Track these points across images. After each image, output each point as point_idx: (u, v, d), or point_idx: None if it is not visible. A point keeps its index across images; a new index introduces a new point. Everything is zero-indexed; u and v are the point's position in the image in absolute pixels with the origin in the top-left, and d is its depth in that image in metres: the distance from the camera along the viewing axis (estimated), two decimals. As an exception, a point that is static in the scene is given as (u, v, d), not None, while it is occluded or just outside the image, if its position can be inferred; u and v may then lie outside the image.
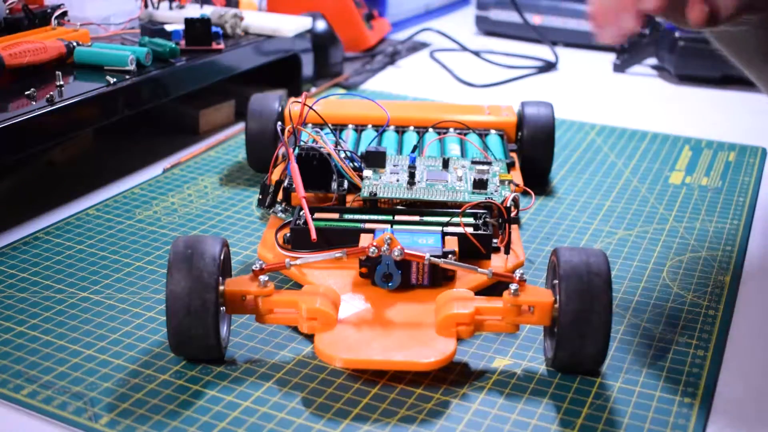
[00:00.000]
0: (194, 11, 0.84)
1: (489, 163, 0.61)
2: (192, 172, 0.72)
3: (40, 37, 0.72)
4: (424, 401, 0.45)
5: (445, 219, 0.54)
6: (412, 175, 0.58)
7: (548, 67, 1.06)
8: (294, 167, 0.55)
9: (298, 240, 0.52)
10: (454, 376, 0.47)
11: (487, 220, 0.54)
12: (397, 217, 0.55)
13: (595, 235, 0.63)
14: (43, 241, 0.60)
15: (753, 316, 0.54)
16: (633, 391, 0.46)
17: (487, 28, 1.21)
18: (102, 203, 0.66)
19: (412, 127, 0.71)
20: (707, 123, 0.82)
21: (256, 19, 0.86)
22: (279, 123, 0.68)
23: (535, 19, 1.15)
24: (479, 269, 0.48)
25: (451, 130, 0.70)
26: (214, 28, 0.78)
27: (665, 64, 1.02)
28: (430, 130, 0.70)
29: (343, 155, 0.58)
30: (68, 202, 0.66)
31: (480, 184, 0.58)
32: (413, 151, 0.65)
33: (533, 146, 0.69)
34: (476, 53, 1.10)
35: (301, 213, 0.53)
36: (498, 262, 0.54)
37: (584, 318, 0.44)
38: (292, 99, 0.69)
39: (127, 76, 0.70)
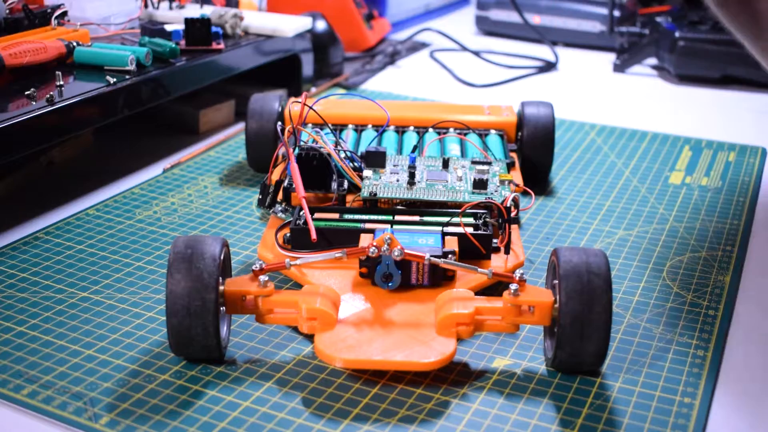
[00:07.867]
0: (194, 11, 0.84)
1: (489, 163, 0.61)
2: (192, 172, 0.72)
3: (40, 37, 0.72)
4: (424, 401, 0.45)
5: (445, 219, 0.54)
6: (412, 175, 0.58)
7: (548, 67, 1.06)
8: (294, 167, 0.55)
9: (298, 240, 0.52)
10: (454, 376, 0.47)
11: (487, 220, 0.54)
12: (397, 217, 0.55)
13: (595, 235, 0.63)
14: (43, 241, 0.60)
15: (753, 316, 0.53)
16: (633, 391, 0.46)
17: (487, 28, 1.21)
18: (102, 203, 0.66)
19: (412, 127, 0.71)
20: (707, 123, 0.82)
21: (256, 19, 0.85)
22: (279, 123, 0.68)
23: (535, 19, 1.15)
24: (479, 269, 0.48)
25: (451, 130, 0.70)
26: (214, 28, 0.78)
27: (665, 64, 1.02)
28: (430, 130, 0.70)
29: (343, 155, 0.58)
30: (68, 202, 0.66)
31: (480, 184, 0.58)
32: (413, 151, 0.65)
33: (533, 146, 0.69)
34: (476, 53, 1.10)
35: (301, 213, 0.53)
36: (498, 262, 0.54)
37: (584, 318, 0.44)
38: (292, 99, 0.69)
39: (127, 76, 0.70)
